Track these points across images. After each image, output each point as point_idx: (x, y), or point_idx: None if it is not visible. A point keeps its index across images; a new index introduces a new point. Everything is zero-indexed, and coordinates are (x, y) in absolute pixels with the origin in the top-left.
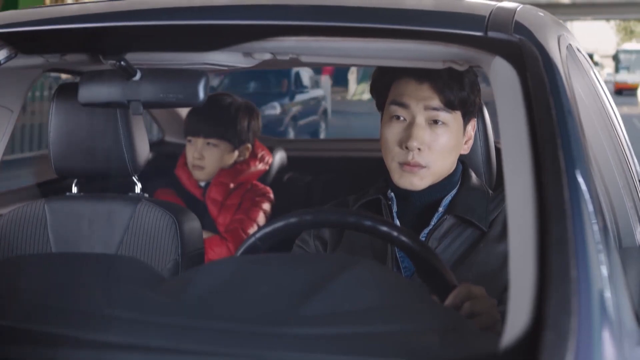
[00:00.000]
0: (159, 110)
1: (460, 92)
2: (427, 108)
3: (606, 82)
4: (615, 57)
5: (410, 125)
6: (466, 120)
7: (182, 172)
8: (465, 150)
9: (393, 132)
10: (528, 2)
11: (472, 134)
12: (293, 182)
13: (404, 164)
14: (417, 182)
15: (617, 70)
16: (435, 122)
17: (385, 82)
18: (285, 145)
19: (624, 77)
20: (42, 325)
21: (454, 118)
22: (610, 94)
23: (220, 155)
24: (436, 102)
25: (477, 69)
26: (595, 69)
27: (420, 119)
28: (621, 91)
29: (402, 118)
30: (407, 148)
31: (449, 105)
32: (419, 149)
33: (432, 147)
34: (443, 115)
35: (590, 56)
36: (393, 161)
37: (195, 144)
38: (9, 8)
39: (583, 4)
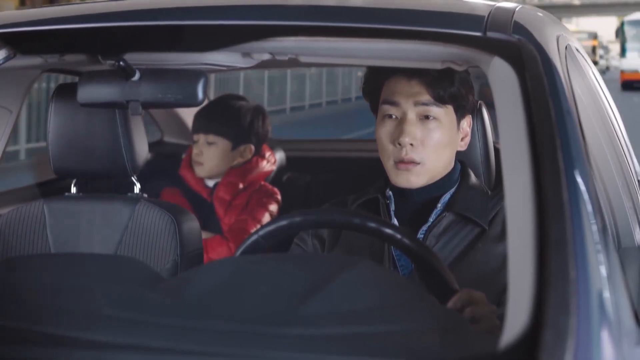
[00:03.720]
0: (157, 110)
1: (450, 87)
2: (417, 104)
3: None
4: (620, 32)
5: (402, 122)
6: (459, 115)
7: (187, 172)
8: (462, 147)
9: (386, 130)
10: (546, 3)
11: (469, 130)
12: (292, 182)
13: (398, 162)
14: (414, 179)
15: (623, 52)
16: (427, 117)
17: (377, 83)
18: (284, 146)
19: (635, 62)
20: (42, 325)
21: (445, 113)
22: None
23: (219, 153)
24: (426, 97)
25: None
26: (601, 53)
27: (411, 115)
28: (631, 84)
29: (394, 116)
30: (400, 145)
31: (439, 100)
32: (411, 145)
33: (425, 143)
34: (434, 110)
35: (595, 36)
36: (389, 160)
37: (197, 140)
38: None
39: (589, 4)
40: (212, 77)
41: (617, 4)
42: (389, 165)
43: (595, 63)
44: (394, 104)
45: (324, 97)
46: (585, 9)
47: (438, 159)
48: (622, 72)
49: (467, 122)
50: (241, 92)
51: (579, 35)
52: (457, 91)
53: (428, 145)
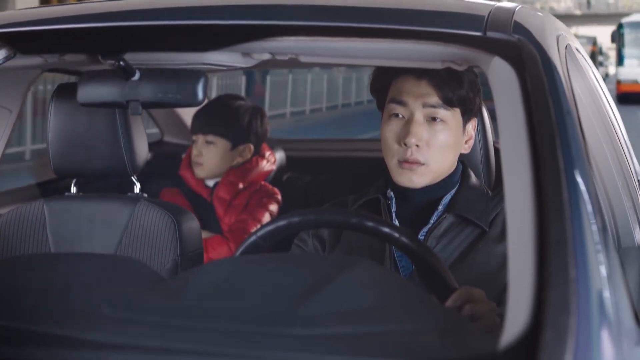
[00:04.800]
0: (157, 110)
1: (459, 90)
2: (425, 105)
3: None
4: (617, 36)
5: (409, 123)
6: (466, 118)
7: (187, 172)
8: (466, 149)
9: (392, 129)
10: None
11: (473, 133)
12: (292, 182)
13: (403, 162)
14: (417, 179)
15: (620, 59)
16: (434, 119)
17: (385, 81)
18: (284, 145)
19: (634, 70)
20: (42, 325)
21: (452, 116)
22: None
23: (219, 153)
24: (434, 99)
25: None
26: (601, 59)
27: (419, 116)
28: (629, 97)
29: (400, 116)
30: (405, 145)
31: (448, 103)
32: (417, 146)
33: (431, 144)
34: (442, 113)
35: (594, 41)
36: (392, 159)
37: (197, 141)
38: None
39: (590, 14)
40: (289, 78)
41: (616, 14)
42: (392, 164)
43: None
44: (401, 103)
45: (364, 96)
46: (586, 18)
47: (442, 160)
48: (619, 82)
49: (472, 125)
50: (308, 91)
51: (579, 40)
52: (466, 94)
53: (433, 147)
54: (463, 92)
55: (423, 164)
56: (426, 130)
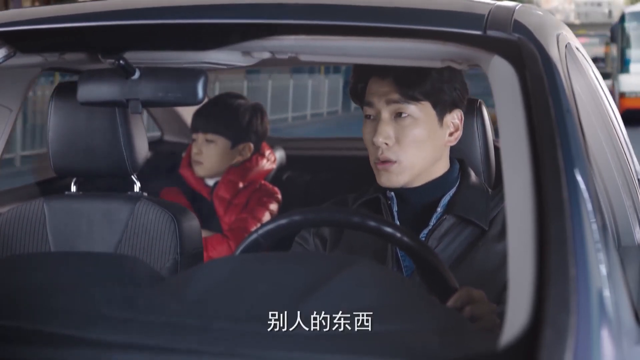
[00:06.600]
0: (157, 109)
1: (422, 84)
2: (389, 102)
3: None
4: (619, 32)
5: (377, 122)
6: (440, 110)
7: (187, 171)
8: (451, 142)
9: (366, 131)
10: None
11: (459, 124)
12: (292, 181)
13: (377, 162)
14: (394, 178)
15: (623, 64)
16: (400, 114)
17: (361, 87)
18: (284, 144)
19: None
20: (42, 325)
21: (420, 110)
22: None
23: (218, 151)
24: (396, 95)
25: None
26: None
27: (385, 113)
28: (635, 117)
29: (371, 116)
30: (376, 144)
31: (409, 97)
32: (386, 144)
33: (401, 141)
34: (408, 108)
35: (607, 41)
36: (371, 160)
37: (197, 140)
38: None
39: (588, 24)
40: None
41: (613, 23)
42: (372, 165)
43: (608, 75)
44: (369, 104)
45: None
46: (584, 27)
47: (416, 155)
48: (622, 95)
49: (456, 116)
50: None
51: (591, 40)
52: (430, 87)
53: (403, 143)
54: (427, 86)
55: (395, 162)
56: (393, 128)
